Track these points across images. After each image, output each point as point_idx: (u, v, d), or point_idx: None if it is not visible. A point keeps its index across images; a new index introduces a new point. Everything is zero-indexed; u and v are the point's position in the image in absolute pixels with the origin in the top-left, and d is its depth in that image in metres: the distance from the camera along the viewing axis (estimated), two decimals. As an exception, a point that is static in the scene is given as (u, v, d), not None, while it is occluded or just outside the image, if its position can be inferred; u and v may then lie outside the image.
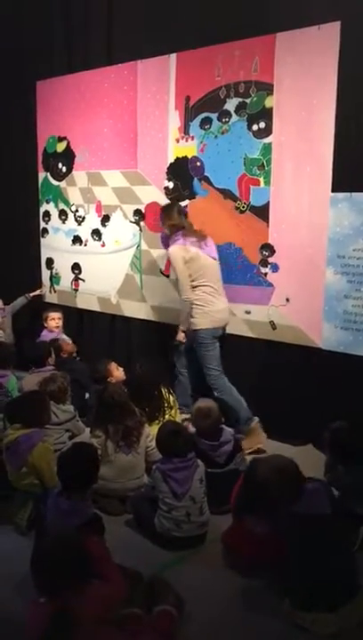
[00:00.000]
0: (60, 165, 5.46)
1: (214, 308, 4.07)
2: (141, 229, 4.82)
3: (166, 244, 4.30)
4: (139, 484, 3.31)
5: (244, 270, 4.24)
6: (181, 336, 4.16)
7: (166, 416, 3.85)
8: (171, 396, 4.04)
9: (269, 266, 4.11)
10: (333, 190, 3.74)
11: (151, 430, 3.46)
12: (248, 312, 4.25)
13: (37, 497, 2.90)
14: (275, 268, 4.09)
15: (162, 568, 2.69)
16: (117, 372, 4.40)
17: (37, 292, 5.71)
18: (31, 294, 5.66)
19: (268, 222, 4.07)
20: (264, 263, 4.13)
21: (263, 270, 4.14)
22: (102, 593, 2.04)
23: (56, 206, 5.56)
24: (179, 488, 2.87)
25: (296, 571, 2.32)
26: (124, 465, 3.27)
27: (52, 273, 5.71)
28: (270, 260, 4.10)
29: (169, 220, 4.18)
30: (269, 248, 4.09)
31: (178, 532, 2.86)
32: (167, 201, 4.57)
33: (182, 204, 4.49)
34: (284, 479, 2.46)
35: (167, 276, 4.64)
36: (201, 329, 4.07)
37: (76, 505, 2.47)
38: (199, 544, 2.91)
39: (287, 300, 4.05)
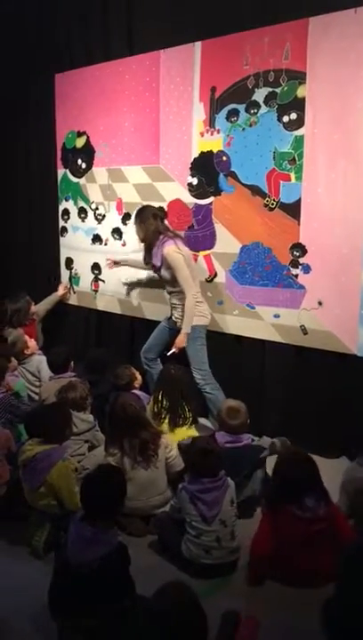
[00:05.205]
0: (79, 161, 5.25)
1: (205, 306, 4.13)
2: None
3: (149, 259, 4.19)
4: (163, 500, 3.12)
5: (273, 271, 4.00)
6: (183, 341, 3.97)
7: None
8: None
9: (300, 267, 3.87)
10: (370, 186, 3.49)
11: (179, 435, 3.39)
12: (277, 316, 4.02)
13: (55, 519, 2.71)
14: (306, 269, 3.84)
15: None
16: (140, 377, 4.21)
17: (63, 291, 5.51)
18: (59, 293, 5.48)
19: (299, 220, 3.82)
20: (295, 264, 3.89)
21: (294, 271, 3.90)
22: None
23: (75, 204, 5.36)
24: (208, 511, 2.65)
25: (345, 608, 2.08)
26: (144, 481, 3.06)
27: (71, 273, 5.52)
28: (302, 260, 3.85)
29: (145, 225, 4.09)
30: (300, 248, 3.85)
31: (207, 558, 2.64)
32: (192, 198, 4.37)
33: (207, 201, 4.28)
34: None
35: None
36: (199, 325, 4.03)
37: (100, 533, 2.24)
38: (231, 572, 2.69)
39: (320, 303, 3.81)
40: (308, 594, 2.54)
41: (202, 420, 4.13)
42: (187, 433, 3.59)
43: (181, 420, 3.66)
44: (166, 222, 4.49)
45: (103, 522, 2.27)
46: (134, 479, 3.03)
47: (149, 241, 4.12)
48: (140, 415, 3.29)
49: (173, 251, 3.97)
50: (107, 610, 2.16)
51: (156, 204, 4.56)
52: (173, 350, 4.03)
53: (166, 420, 3.63)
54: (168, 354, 4.09)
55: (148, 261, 4.23)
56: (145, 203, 4.68)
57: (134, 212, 4.36)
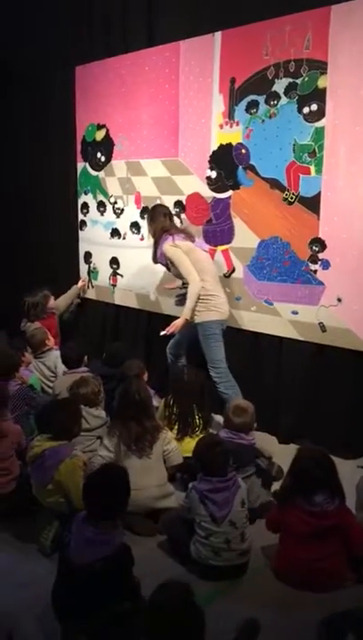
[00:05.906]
0: (98, 155, 5.22)
1: (220, 300, 3.98)
2: (181, 222, 4.52)
3: (155, 256, 4.20)
4: (162, 492, 3.04)
5: (291, 267, 3.91)
6: (178, 326, 3.92)
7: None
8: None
9: (319, 262, 3.77)
10: (393, 179, 3.38)
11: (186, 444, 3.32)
12: (295, 312, 3.93)
13: (63, 517, 2.68)
14: (326, 264, 3.74)
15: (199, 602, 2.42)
16: (146, 372, 4.15)
17: (82, 284, 5.52)
18: (78, 286, 5.49)
19: (319, 215, 3.72)
20: (314, 259, 3.79)
21: (313, 267, 3.80)
22: None
23: (95, 197, 5.33)
24: (218, 511, 2.59)
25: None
26: (137, 469, 2.94)
27: (90, 267, 5.50)
28: (321, 255, 3.76)
29: (155, 224, 4.13)
30: (319, 243, 3.75)
31: (216, 560, 2.58)
32: (210, 192, 4.30)
33: (225, 194, 4.21)
34: None
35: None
36: (211, 320, 3.93)
37: (102, 534, 2.20)
38: (240, 574, 2.63)
39: (339, 300, 3.71)
40: (317, 597, 2.48)
41: (218, 418, 4.06)
42: (193, 443, 3.49)
43: (189, 430, 3.56)
44: (184, 216, 4.44)
45: (106, 522, 2.22)
46: (128, 467, 2.93)
47: (156, 238, 4.13)
48: (150, 404, 3.27)
49: (169, 245, 3.97)
50: (110, 611, 2.12)
51: (174, 198, 4.53)
52: (164, 332, 3.99)
53: (176, 427, 3.54)
54: (161, 334, 4.05)
55: (155, 259, 4.24)
56: (164, 196, 4.63)
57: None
